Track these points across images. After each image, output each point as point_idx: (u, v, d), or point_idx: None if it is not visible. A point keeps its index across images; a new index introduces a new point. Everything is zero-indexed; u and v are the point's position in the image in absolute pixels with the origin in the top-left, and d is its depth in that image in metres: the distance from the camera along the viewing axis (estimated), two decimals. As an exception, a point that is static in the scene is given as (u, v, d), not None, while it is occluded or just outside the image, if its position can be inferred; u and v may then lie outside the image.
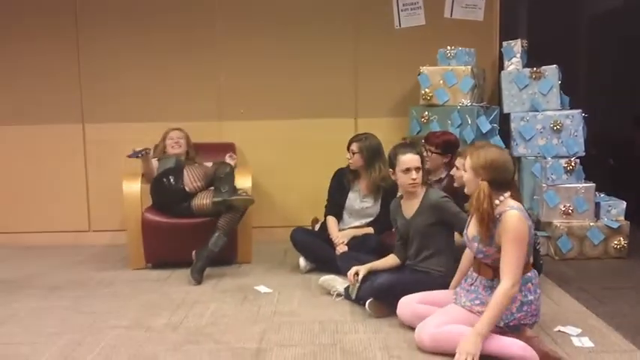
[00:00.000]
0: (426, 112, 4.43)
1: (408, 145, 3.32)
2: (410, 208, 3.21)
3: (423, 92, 4.45)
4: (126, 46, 4.85)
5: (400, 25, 4.86)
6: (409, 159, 3.14)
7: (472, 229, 2.67)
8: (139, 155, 4.05)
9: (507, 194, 2.60)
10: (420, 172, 3.15)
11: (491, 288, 2.62)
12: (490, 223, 2.54)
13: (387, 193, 3.86)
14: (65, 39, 4.83)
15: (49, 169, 4.91)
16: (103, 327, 3.04)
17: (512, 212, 2.53)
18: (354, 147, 3.93)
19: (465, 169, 2.68)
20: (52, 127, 4.88)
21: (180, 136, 4.38)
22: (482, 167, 2.57)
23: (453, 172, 3.35)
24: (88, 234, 4.96)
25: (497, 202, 2.58)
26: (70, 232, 4.94)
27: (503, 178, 2.59)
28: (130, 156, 4.04)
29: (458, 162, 3.22)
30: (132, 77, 4.87)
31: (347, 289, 3.32)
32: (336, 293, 3.42)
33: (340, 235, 3.87)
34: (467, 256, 2.92)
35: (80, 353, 2.72)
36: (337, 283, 3.44)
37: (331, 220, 4.00)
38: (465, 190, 2.70)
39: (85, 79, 4.88)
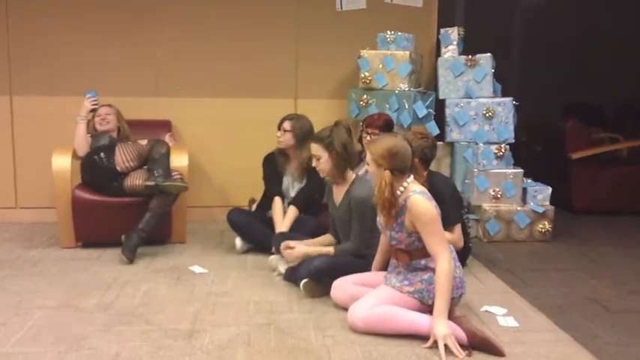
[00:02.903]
0: (365, 96, 4.47)
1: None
2: (339, 194, 3.27)
3: (362, 75, 4.49)
4: (59, 17, 4.61)
5: (341, 8, 4.86)
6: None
7: (382, 218, 2.75)
8: (92, 98, 4.13)
9: (410, 179, 2.69)
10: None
11: (416, 269, 2.70)
12: (392, 210, 2.63)
13: (310, 169, 3.85)
14: (-9, 5, 4.57)
15: (-28, 143, 4.67)
16: (29, 307, 2.94)
17: (415, 197, 2.62)
18: (287, 125, 3.88)
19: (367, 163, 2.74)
20: (-24, 98, 4.62)
21: (109, 112, 4.20)
22: (382, 157, 2.64)
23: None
24: (15, 211, 4.75)
25: (401, 188, 2.66)
26: (-5, 209, 4.73)
27: (403, 164, 2.66)
28: (87, 93, 4.17)
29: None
30: (65, 49, 4.65)
31: (287, 270, 3.35)
32: (276, 272, 3.44)
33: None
34: (384, 239, 2.97)
35: (5, 334, 2.63)
36: (280, 264, 3.46)
37: (277, 204, 3.88)
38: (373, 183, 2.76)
39: (13, 49, 4.62)
